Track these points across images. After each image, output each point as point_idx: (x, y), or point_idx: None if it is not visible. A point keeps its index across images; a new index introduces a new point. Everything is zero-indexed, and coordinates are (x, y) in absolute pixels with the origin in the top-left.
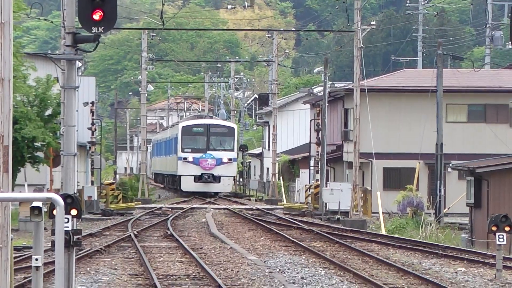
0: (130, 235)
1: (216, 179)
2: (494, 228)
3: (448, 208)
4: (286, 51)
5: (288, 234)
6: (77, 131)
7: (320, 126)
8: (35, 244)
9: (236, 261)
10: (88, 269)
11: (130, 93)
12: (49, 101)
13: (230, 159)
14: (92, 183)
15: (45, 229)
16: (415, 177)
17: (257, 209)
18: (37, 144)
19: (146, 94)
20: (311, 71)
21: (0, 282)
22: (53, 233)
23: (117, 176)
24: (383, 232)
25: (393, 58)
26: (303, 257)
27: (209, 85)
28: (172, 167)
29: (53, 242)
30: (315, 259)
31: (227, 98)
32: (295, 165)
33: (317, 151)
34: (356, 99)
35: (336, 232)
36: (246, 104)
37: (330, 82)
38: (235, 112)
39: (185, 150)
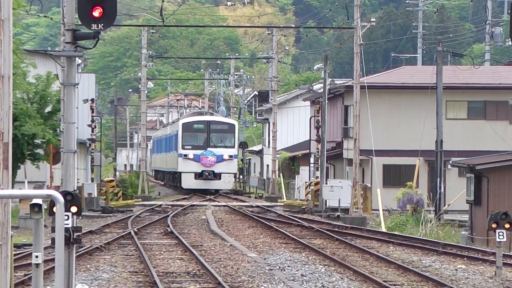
0: (130, 232)
1: (217, 176)
2: (494, 225)
3: (448, 205)
4: (286, 48)
5: (288, 231)
6: (77, 128)
7: (320, 123)
8: (35, 241)
9: (236, 259)
10: (88, 266)
11: (130, 90)
12: (49, 98)
13: (231, 156)
14: (92, 180)
15: (45, 226)
16: (415, 174)
17: (257, 206)
18: (37, 141)
19: (146, 91)
20: (311, 68)
21: (0, 279)
22: (53, 230)
23: (117, 173)
24: (383, 229)
25: (393, 55)
26: (303, 254)
27: (209, 82)
28: (172, 164)
29: (53, 239)
30: (315, 256)
31: (227, 95)
32: (295, 162)
33: (317, 148)
34: (356, 96)
35: (336, 229)
36: (246, 101)
37: (330, 79)
38: (235, 109)
39: (186, 147)
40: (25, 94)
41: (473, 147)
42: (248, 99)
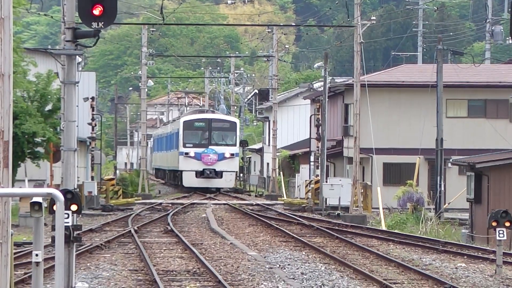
0: (130, 230)
1: (218, 174)
2: (494, 224)
3: (448, 204)
4: (286, 46)
5: (288, 229)
6: (77, 126)
7: (320, 122)
8: (35, 239)
9: (236, 257)
10: (88, 264)
11: (130, 88)
12: (49, 97)
13: (232, 154)
14: (92, 178)
15: (45, 224)
16: (415, 172)
17: (257, 205)
18: (37, 139)
19: (146, 89)
20: (311, 66)
21: (1, 277)
22: (53, 228)
23: (117, 171)
24: (383, 227)
25: (393, 53)
26: (303, 253)
27: (209, 80)
28: (173, 163)
29: (53, 238)
30: (315, 255)
31: (227, 93)
32: (295, 161)
33: (317, 147)
34: (356, 94)
35: (336, 228)
36: (246, 99)
37: (330, 77)
38: (235, 107)
39: (187, 145)
40: (26, 93)
41: (473, 145)
42: (248, 97)
